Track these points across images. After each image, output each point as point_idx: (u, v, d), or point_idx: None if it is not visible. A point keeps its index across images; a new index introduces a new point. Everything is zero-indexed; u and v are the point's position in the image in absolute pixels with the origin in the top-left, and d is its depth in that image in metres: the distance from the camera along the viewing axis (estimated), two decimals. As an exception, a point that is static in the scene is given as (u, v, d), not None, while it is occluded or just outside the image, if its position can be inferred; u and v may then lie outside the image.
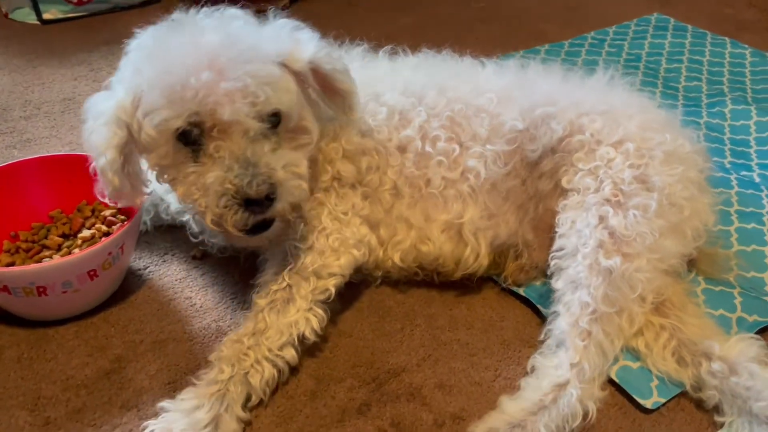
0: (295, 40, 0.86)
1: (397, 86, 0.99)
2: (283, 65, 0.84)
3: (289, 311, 0.89)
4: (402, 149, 0.97)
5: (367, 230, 0.97)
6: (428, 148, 0.97)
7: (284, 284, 0.91)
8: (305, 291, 0.90)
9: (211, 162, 0.80)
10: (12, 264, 1.02)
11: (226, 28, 0.82)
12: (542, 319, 0.99)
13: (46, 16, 1.98)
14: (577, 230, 0.91)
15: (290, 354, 0.88)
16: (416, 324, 1.00)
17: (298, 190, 0.83)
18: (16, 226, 1.07)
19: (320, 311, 0.91)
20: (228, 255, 1.09)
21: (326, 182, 0.95)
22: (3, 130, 1.47)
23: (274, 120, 0.83)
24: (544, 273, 1.02)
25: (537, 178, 0.99)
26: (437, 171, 0.97)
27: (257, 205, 0.80)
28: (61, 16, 1.99)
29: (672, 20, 2.02)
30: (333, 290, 0.92)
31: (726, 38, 1.89)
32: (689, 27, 1.97)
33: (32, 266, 0.91)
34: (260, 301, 0.90)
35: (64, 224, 1.07)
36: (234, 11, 0.87)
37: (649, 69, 1.73)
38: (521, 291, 1.03)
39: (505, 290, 1.05)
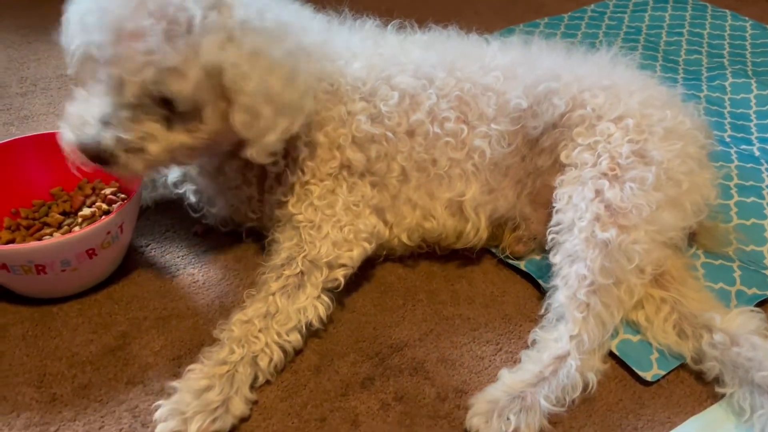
0: (217, 30, 0.78)
1: (408, 68, 0.98)
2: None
3: (299, 297, 0.90)
4: (411, 133, 0.97)
5: (376, 220, 0.97)
6: (437, 130, 0.96)
7: (297, 270, 0.91)
8: (317, 279, 0.91)
9: (91, 94, 0.82)
10: (12, 241, 1.02)
11: None
12: (543, 293, 1.00)
13: (39, -10, 1.96)
14: (574, 204, 0.91)
15: (296, 338, 0.89)
16: (418, 299, 1.00)
17: (133, 164, 0.83)
18: (17, 203, 1.07)
19: (327, 299, 0.92)
20: (229, 229, 1.09)
21: (334, 169, 0.95)
22: (0, 107, 1.46)
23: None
24: (543, 247, 1.03)
25: (537, 154, 1.00)
26: (444, 151, 0.97)
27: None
28: (54, -10, 1.97)
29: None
30: (342, 280, 0.93)
31: (726, 11, 1.88)
32: (678, -2, 1.96)
33: (30, 244, 0.91)
34: (273, 284, 0.91)
35: (64, 202, 1.07)
36: None
37: (649, 42, 1.72)
38: (521, 265, 1.04)
39: (505, 265, 1.06)
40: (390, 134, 0.96)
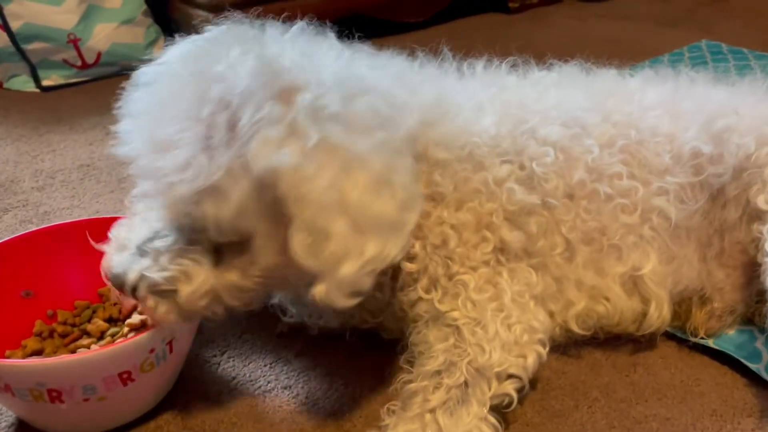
0: (274, 124, 0.59)
1: (552, 115, 0.78)
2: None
3: (462, 417, 0.67)
4: (572, 197, 0.76)
5: (545, 314, 0.74)
6: (607, 189, 0.76)
7: (461, 380, 0.68)
8: (483, 394, 0.68)
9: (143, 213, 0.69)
10: (39, 352, 0.79)
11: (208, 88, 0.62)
12: (749, 377, 0.78)
13: (45, 82, 1.79)
14: None
15: None
16: (592, 398, 0.77)
17: (161, 310, 0.66)
18: (56, 302, 0.84)
19: (495, 421, 0.69)
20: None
21: (487, 255, 0.73)
22: (14, 204, 1.24)
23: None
24: (741, 318, 0.82)
25: (721, 206, 0.80)
26: (615, 216, 0.77)
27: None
28: (62, 81, 1.80)
29: (724, 45, 1.90)
30: (515, 397, 0.70)
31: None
32: (745, 50, 1.85)
33: (40, 361, 0.69)
34: (432, 397, 0.68)
35: (113, 305, 0.84)
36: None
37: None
38: (711, 343, 0.82)
39: (685, 344, 0.84)
40: (552, 201, 0.75)
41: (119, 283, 0.67)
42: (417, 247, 0.72)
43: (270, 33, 0.68)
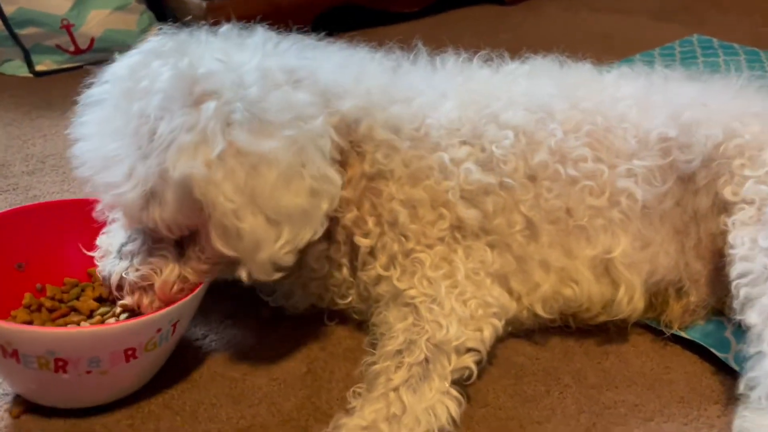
0: (187, 133, 0.65)
1: (516, 100, 0.82)
2: None
3: (425, 393, 0.70)
4: (533, 178, 0.80)
5: (500, 290, 0.78)
6: (571, 171, 0.79)
7: (421, 357, 0.72)
8: (444, 369, 0.72)
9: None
10: (29, 324, 0.80)
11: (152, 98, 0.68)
12: (717, 366, 0.80)
13: (39, 67, 1.79)
14: (764, 248, 0.74)
15: None
16: (564, 384, 0.79)
17: (143, 302, 0.75)
18: (45, 277, 0.86)
19: (457, 394, 0.72)
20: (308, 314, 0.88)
21: (444, 231, 0.77)
22: (4, 187, 1.25)
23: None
24: (713, 310, 0.84)
25: (692, 194, 0.83)
26: (581, 198, 0.80)
27: None
28: (56, 67, 1.80)
29: (715, 40, 1.92)
30: (474, 369, 0.74)
31: (780, 53, 1.78)
32: (736, 45, 1.87)
33: (57, 330, 0.72)
34: (395, 376, 0.71)
35: (103, 285, 0.86)
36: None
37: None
38: (684, 334, 0.84)
39: (657, 333, 0.86)
40: (509, 181, 0.78)
41: (108, 285, 0.76)
42: (371, 223, 0.77)
43: (194, 41, 0.75)
